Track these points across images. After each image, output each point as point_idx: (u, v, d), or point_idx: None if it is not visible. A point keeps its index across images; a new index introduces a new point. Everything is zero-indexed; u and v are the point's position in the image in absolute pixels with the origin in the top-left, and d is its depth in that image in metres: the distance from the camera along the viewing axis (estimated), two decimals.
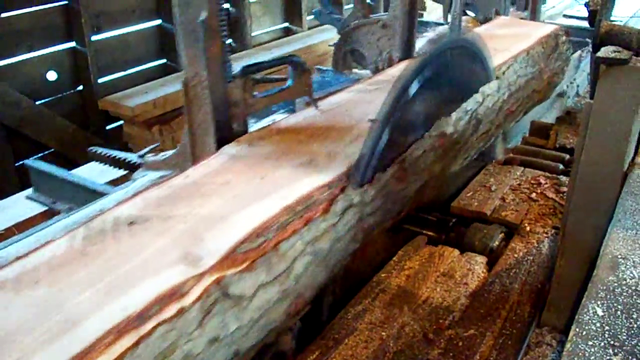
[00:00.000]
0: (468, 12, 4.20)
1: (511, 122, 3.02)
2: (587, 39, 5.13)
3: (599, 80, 1.61)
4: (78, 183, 2.79)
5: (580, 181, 1.67)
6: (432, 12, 5.71)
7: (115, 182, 2.96)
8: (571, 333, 1.16)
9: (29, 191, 3.05)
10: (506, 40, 3.21)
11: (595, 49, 1.77)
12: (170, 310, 1.22)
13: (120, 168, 2.90)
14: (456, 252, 2.15)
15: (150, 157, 2.49)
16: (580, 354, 1.10)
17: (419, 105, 2.04)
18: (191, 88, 2.03)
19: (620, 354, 1.10)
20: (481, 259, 2.11)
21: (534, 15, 4.93)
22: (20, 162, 4.20)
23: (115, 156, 2.92)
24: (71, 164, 3.29)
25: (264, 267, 1.44)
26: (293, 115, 2.35)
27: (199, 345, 1.28)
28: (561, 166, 2.87)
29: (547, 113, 4.05)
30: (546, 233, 2.28)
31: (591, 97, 1.67)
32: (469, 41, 2.38)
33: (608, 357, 1.09)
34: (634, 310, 1.20)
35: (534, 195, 2.54)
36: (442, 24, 4.35)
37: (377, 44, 3.26)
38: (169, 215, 1.56)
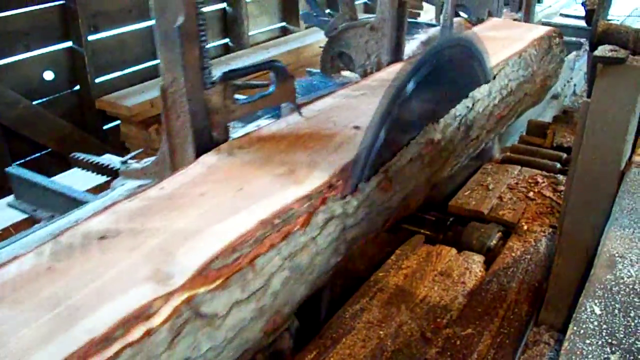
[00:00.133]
0: (460, 13, 4.13)
1: (503, 127, 2.96)
2: (584, 39, 5.15)
3: (596, 79, 1.62)
4: (58, 191, 2.72)
5: (577, 180, 1.67)
6: (429, 11, 5.69)
7: (98, 189, 2.89)
8: (569, 332, 1.16)
9: (10, 198, 2.98)
10: (498, 43, 3.14)
11: (593, 48, 1.77)
12: (137, 332, 1.16)
13: (102, 174, 2.86)
14: (454, 251, 2.15)
15: (132, 164, 2.41)
16: (578, 352, 1.10)
17: (416, 104, 2.04)
18: (169, 95, 1.95)
19: (617, 352, 1.10)
20: (479, 258, 2.12)
21: (528, 17, 4.89)
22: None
23: (97, 162, 2.88)
24: (68, 165, 3.27)
25: (238, 284, 1.38)
26: (276, 122, 2.27)
27: None
28: (558, 165, 2.88)
29: (544, 112, 4.05)
30: (543, 232, 2.28)
31: (588, 96, 1.67)
32: (466, 40, 2.38)
33: (606, 356, 1.09)
34: (631, 308, 1.20)
35: (531, 194, 2.54)
36: (434, 25, 4.29)
37: (365, 47, 3.18)
38: (142, 229, 1.50)
